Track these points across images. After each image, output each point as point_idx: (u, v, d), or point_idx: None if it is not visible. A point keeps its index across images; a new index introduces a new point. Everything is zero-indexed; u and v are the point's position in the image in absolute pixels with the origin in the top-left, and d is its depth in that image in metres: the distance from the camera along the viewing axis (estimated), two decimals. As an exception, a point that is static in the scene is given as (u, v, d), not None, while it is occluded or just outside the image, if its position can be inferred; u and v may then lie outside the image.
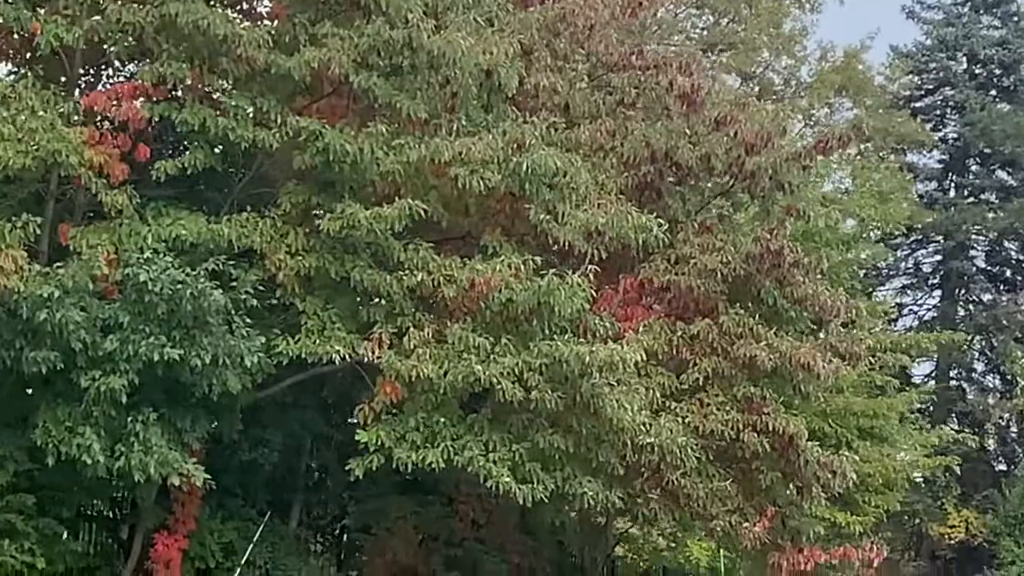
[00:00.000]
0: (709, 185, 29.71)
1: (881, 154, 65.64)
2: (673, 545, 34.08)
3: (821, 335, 30.23)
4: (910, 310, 70.74)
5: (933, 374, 68.39)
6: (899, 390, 39.54)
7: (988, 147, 66.88)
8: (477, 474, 23.78)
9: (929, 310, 70.02)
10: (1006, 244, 68.64)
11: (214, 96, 24.81)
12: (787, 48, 59.13)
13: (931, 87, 69.34)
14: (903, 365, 39.65)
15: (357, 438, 23.98)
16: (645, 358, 25.60)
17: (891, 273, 70.23)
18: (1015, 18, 68.76)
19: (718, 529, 27.75)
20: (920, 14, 69.30)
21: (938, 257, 68.97)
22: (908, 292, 71.07)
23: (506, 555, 29.08)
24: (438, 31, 24.75)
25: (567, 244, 25.39)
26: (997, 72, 68.69)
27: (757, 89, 60.04)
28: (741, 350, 27.07)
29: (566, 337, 24.00)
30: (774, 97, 59.79)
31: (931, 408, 66.97)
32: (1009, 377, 64.89)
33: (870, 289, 67.60)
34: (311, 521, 29.73)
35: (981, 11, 69.15)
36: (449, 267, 24.27)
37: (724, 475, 27.57)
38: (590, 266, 24.90)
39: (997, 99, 67.47)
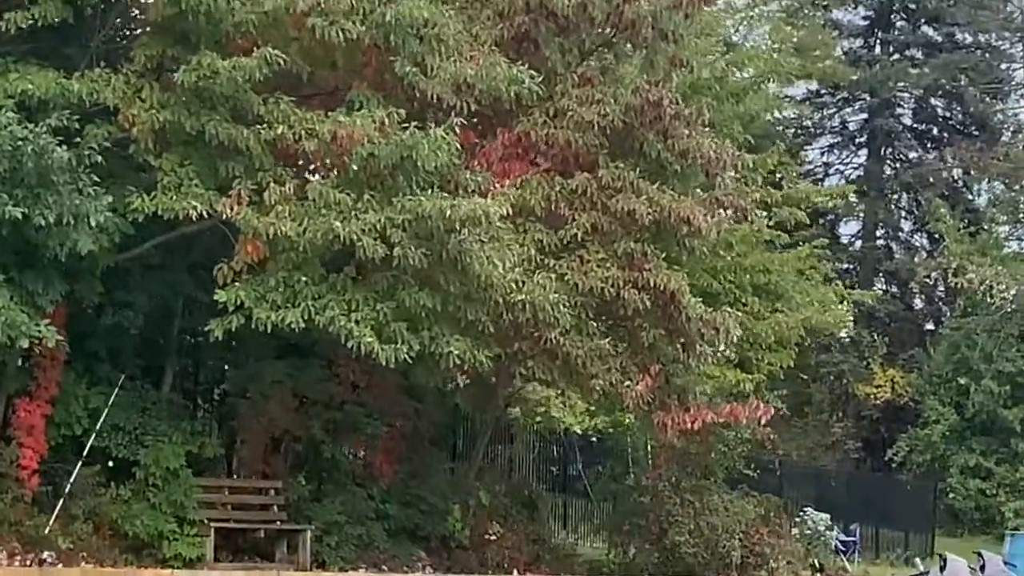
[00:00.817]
0: (590, 36, 28.72)
1: (806, 9, 65.16)
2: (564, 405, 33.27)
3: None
4: (836, 169, 70.32)
5: (860, 233, 68.25)
6: (791, 245, 38.70)
7: (913, 2, 66.25)
8: (338, 334, 23.21)
9: (856, 169, 69.46)
10: (932, 101, 68.08)
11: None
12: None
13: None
14: (800, 220, 38.87)
15: (215, 298, 23.33)
16: (511, 212, 25.14)
17: (817, 132, 69.72)
18: None
19: (598, 388, 27.19)
20: None
21: (864, 115, 68.26)
22: (835, 151, 70.47)
23: (387, 418, 28.52)
24: None
25: (435, 97, 24.67)
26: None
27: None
28: (620, 204, 26.49)
29: (433, 193, 23.35)
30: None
31: (857, 267, 67.06)
32: (936, 236, 64.31)
33: (796, 148, 67.54)
34: (186, 386, 28.99)
35: None
36: (311, 121, 23.52)
37: (605, 333, 27.04)
38: (457, 119, 24.07)
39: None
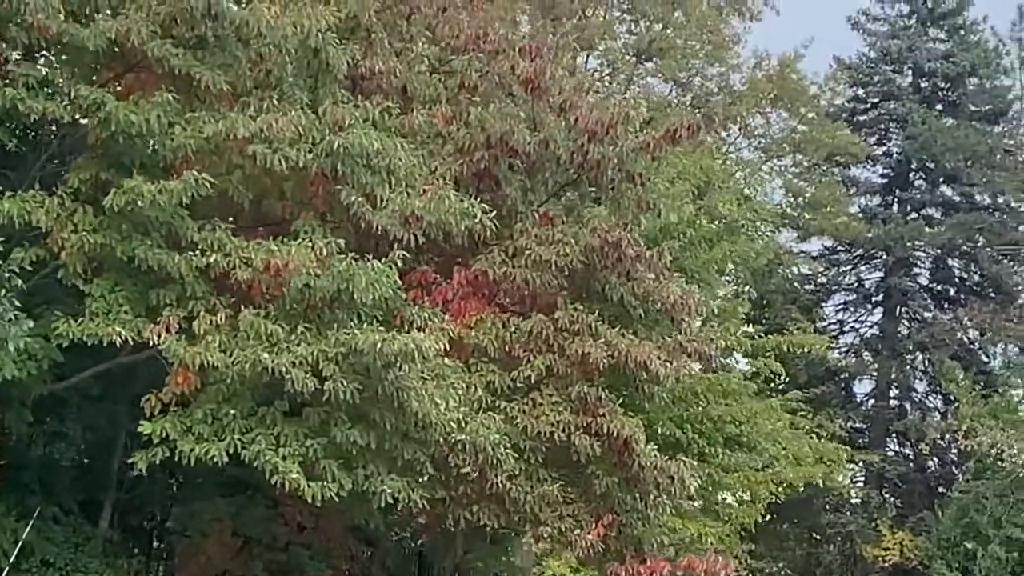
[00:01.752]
0: (554, 175, 28.11)
1: (822, 167, 64.90)
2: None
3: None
4: (851, 327, 69.54)
5: (873, 392, 67.38)
6: (764, 394, 37.81)
7: (931, 162, 65.89)
8: (263, 470, 22.42)
9: (871, 327, 68.64)
10: (949, 261, 67.29)
11: (4, 66, 23.33)
12: (719, 55, 57.55)
13: (875, 100, 68.29)
14: (774, 371, 38.05)
15: (140, 430, 22.58)
16: (468, 351, 24.68)
17: (833, 288, 68.99)
18: (961, 31, 67.76)
19: (545, 535, 26.36)
20: (865, 25, 68.42)
21: (880, 273, 67.51)
22: (850, 308, 69.68)
23: (334, 561, 27.63)
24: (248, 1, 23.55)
25: (382, 230, 24.06)
26: (942, 86, 67.71)
27: (689, 97, 59.11)
28: (576, 347, 25.80)
29: (371, 327, 22.66)
30: (707, 105, 58.53)
31: (869, 427, 66.09)
32: (949, 397, 63.34)
33: (811, 304, 66.93)
34: (129, 522, 28.10)
35: (928, 24, 68.19)
36: (246, 249, 22.85)
37: (556, 479, 26.24)
38: (402, 253, 23.48)
39: (941, 113, 66.32)
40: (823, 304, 69.21)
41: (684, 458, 26.89)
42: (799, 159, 62.32)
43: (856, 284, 69.00)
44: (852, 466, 63.37)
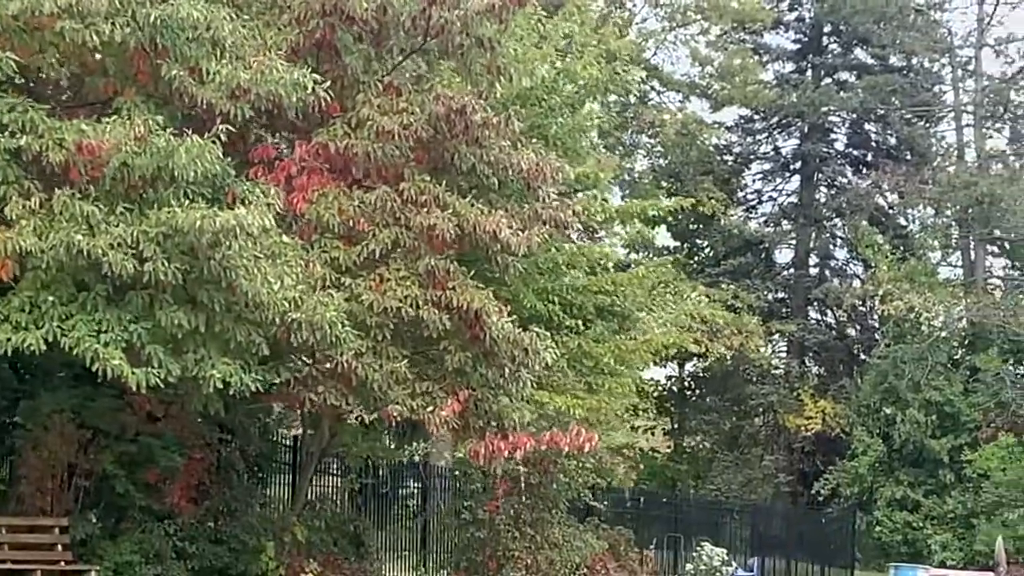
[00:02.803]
0: (398, 43, 27.14)
1: (732, 35, 64.19)
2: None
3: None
4: (769, 196, 69.13)
5: (793, 261, 67.02)
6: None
7: (843, 24, 65.22)
8: (83, 356, 21.65)
9: (789, 196, 68.19)
10: (865, 126, 66.83)
11: None
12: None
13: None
14: (648, 237, 37.41)
15: (-46, 320, 21.82)
16: (310, 226, 23.99)
17: (749, 158, 68.42)
18: None
19: (395, 414, 25.67)
20: None
21: (796, 141, 66.92)
22: (768, 178, 69.13)
23: (187, 450, 26.88)
24: None
25: (206, 104, 23.17)
26: (850, -49, 66.75)
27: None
28: (420, 219, 25.01)
29: (196, 205, 21.82)
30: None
31: (789, 296, 65.80)
32: (870, 263, 63.00)
33: (728, 175, 66.47)
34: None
35: None
36: (59, 130, 21.95)
37: (406, 356, 25.50)
38: (225, 127, 22.55)
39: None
40: (742, 174, 68.41)
41: (542, 331, 26.10)
42: (707, 27, 61.25)
43: (773, 152, 68.40)
44: (773, 336, 63.36)
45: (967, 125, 65.71)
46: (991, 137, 65.70)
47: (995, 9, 63.96)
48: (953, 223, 64.01)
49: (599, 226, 32.83)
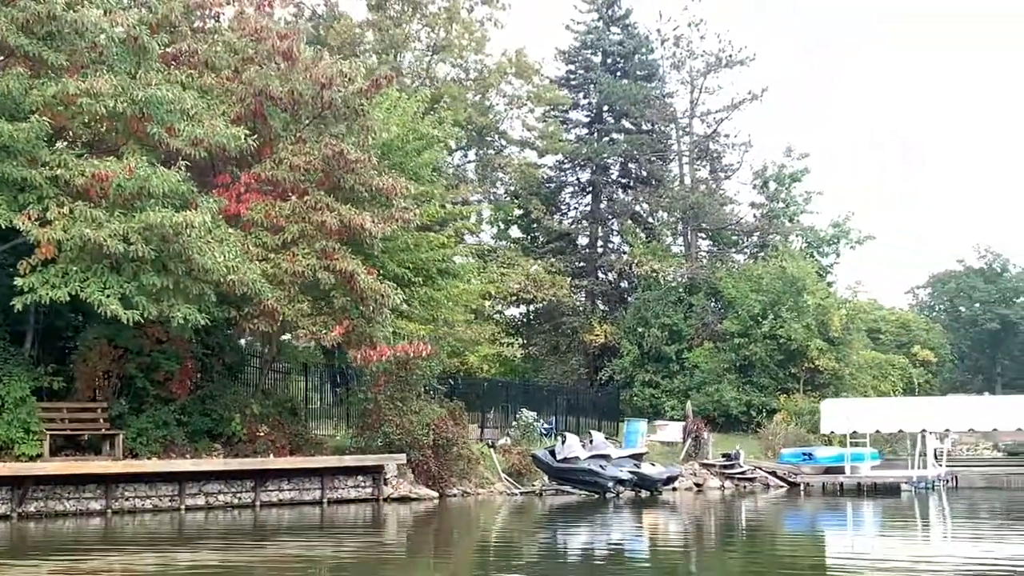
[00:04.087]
0: (306, 111, 25.86)
1: (549, 113, 63.05)
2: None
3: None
4: (574, 207, 67.62)
5: (588, 244, 65.78)
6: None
7: (613, 107, 64.12)
8: (93, 303, 20.36)
9: (586, 206, 66.85)
10: (629, 165, 65.60)
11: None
12: (478, 48, 55.44)
13: (581, 71, 65.92)
14: (467, 228, 36.21)
15: (16, 283, 20.48)
16: (250, 223, 23.12)
17: (563, 185, 67.04)
18: (628, 27, 65.69)
19: (301, 334, 24.57)
20: (572, 28, 65.90)
21: (589, 174, 65.64)
22: (575, 197, 67.78)
23: (183, 360, 25.46)
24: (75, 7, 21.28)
25: (176, 150, 21.96)
26: (618, 61, 65.62)
27: (465, 74, 57.06)
28: (316, 217, 23.87)
29: (165, 210, 20.64)
30: (475, 78, 56.65)
31: (586, 265, 64.64)
32: (630, 244, 61.98)
33: (552, 195, 65.30)
34: (45, 344, 25.44)
35: (609, 24, 65.92)
36: (82, 165, 20.70)
37: (309, 300, 24.42)
38: (184, 163, 21.39)
39: (618, 77, 64.33)
40: (559, 194, 67.01)
41: (389, 283, 24.94)
42: (532, 108, 60.05)
43: (576, 181, 66.99)
44: (577, 288, 62.30)
45: (685, 163, 64.94)
46: (699, 170, 64.80)
47: (699, 96, 63.09)
48: (678, 220, 63.08)
49: (433, 222, 31.23)
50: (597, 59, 66.31)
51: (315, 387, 33.07)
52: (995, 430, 43.16)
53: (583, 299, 65.12)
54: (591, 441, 33.14)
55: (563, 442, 32.26)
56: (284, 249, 24.16)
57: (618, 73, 65.74)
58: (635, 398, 56.91)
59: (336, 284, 24.23)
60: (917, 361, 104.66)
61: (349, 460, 27.51)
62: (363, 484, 28.01)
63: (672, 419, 50.78)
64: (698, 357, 56.02)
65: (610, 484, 31.26)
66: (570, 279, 59.90)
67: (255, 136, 23.57)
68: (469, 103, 55.80)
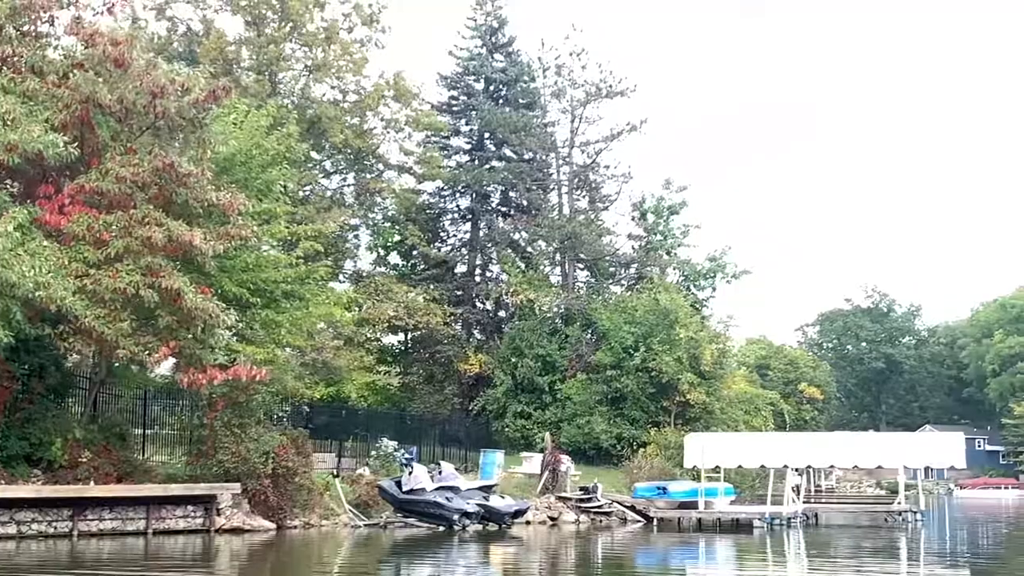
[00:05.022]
0: (138, 121, 24.86)
1: (429, 138, 62.56)
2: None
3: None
4: (453, 235, 67.18)
5: (467, 271, 65.28)
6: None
7: (494, 134, 63.95)
8: None
9: (466, 233, 66.39)
10: (509, 193, 65.26)
11: None
12: (357, 70, 54.74)
13: (463, 98, 65.67)
14: (317, 250, 35.27)
15: None
16: (25, 232, 21.75)
17: (443, 211, 66.51)
18: (511, 55, 65.61)
19: (121, 356, 23.45)
20: (455, 53, 65.63)
21: (469, 201, 65.23)
22: (455, 223, 67.27)
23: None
24: None
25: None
26: (501, 89, 65.52)
27: (343, 96, 56.31)
28: (141, 232, 22.83)
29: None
30: (352, 102, 55.88)
31: (463, 293, 64.07)
32: (509, 273, 61.58)
33: (432, 221, 64.61)
34: None
35: (492, 51, 65.79)
36: None
37: (133, 319, 23.30)
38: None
39: (499, 104, 64.20)
40: (440, 220, 66.43)
41: (217, 302, 23.92)
42: (410, 133, 59.44)
43: (456, 208, 66.55)
44: (453, 316, 61.71)
45: (564, 192, 64.89)
46: (578, 200, 64.81)
47: (579, 125, 63.22)
48: (556, 250, 62.92)
49: (274, 241, 30.17)
50: (479, 86, 66.15)
51: (155, 412, 31.75)
52: (875, 466, 43.71)
53: (459, 328, 64.58)
54: (440, 472, 32.39)
55: (410, 473, 31.46)
56: (107, 265, 23.03)
57: (500, 100, 65.65)
58: (507, 428, 56.47)
59: (161, 302, 23.17)
60: (804, 398, 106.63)
61: (177, 489, 26.37)
62: (193, 514, 26.87)
63: (542, 451, 50.34)
64: (571, 389, 55.78)
65: (456, 517, 30.53)
66: (447, 307, 59.52)
67: (78, 145, 22.50)
68: (347, 125, 55.04)
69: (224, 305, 23.97)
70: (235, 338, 27.14)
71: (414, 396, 63.56)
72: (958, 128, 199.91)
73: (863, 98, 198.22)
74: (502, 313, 64.89)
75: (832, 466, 49.94)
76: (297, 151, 32.06)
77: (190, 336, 24.02)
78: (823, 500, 47.78)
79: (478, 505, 31.44)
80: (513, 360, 57.64)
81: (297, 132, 32.65)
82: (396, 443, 40.02)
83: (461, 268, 65.86)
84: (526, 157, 64.49)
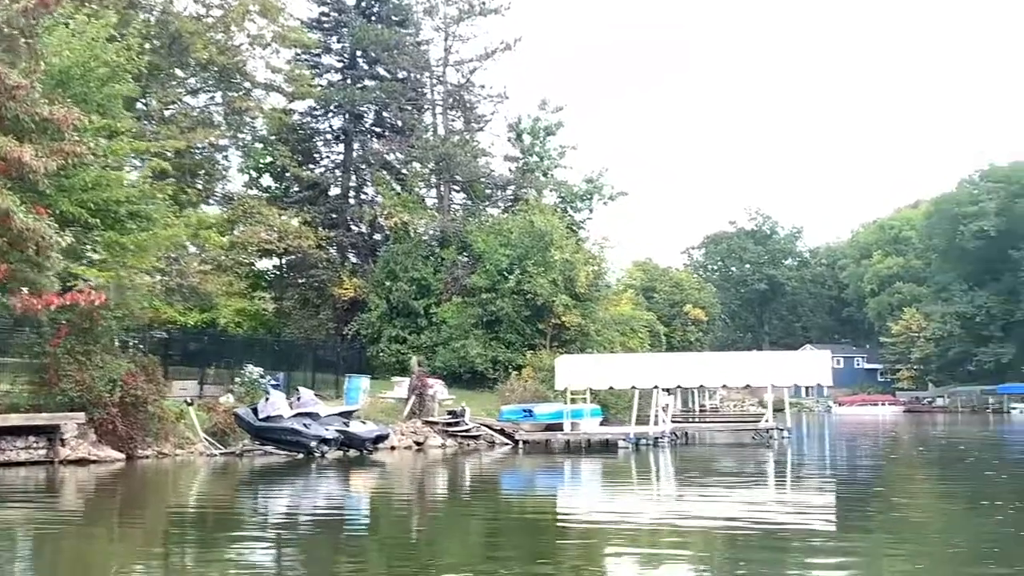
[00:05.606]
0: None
1: (299, 58, 61.12)
2: None
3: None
4: (327, 155, 66.05)
5: (340, 194, 64.33)
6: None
7: (367, 52, 62.72)
8: None
9: (340, 154, 65.24)
10: (383, 113, 64.24)
11: None
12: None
13: (334, 14, 64.18)
14: (166, 170, 34.03)
15: None
16: None
17: (316, 132, 65.23)
18: (385, -31, 64.51)
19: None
20: (325, -36, 64.17)
21: (341, 121, 64.06)
22: (328, 145, 66.04)
23: None
24: None
25: None
26: (373, 5, 64.23)
27: (206, 11, 54.38)
28: (-35, 150, 21.72)
29: None
30: (215, 17, 54.02)
31: (338, 216, 63.15)
32: (383, 195, 60.91)
33: (303, 143, 63.33)
34: None
35: (364, -36, 64.42)
36: None
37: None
38: None
39: (371, 21, 62.87)
40: (311, 141, 65.16)
41: (49, 222, 22.95)
42: (279, 49, 57.83)
43: (329, 128, 65.35)
44: (328, 239, 60.84)
45: (439, 112, 64.20)
46: (453, 121, 64.09)
47: (452, 44, 62.43)
48: (431, 171, 62.32)
49: (116, 159, 28.89)
50: (351, 1, 64.73)
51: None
52: (744, 385, 44.50)
53: (334, 252, 63.78)
54: (299, 398, 31.94)
55: (267, 399, 30.95)
56: (-71, 185, 21.92)
57: (372, 17, 64.36)
58: (382, 353, 56.15)
59: (-15, 226, 22.14)
60: (689, 320, 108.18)
61: (16, 419, 25.54)
62: (36, 445, 26.08)
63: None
64: (446, 312, 55.63)
65: (314, 443, 30.16)
66: (321, 230, 58.58)
67: None
68: (211, 41, 53.30)
69: (57, 226, 22.99)
70: (76, 261, 26.10)
71: (289, 322, 62.80)
72: (835, 51, 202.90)
73: (738, 28, 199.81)
74: (377, 236, 64.25)
75: (716, 385, 50.70)
76: (138, 63, 30.69)
77: (23, 259, 23.02)
78: (696, 419, 48.51)
79: (337, 431, 31.11)
80: (388, 284, 57.18)
81: (138, 44, 31.19)
82: (262, 370, 39.35)
83: (335, 190, 64.88)
84: (400, 76, 63.49)
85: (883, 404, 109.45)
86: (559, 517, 18.12)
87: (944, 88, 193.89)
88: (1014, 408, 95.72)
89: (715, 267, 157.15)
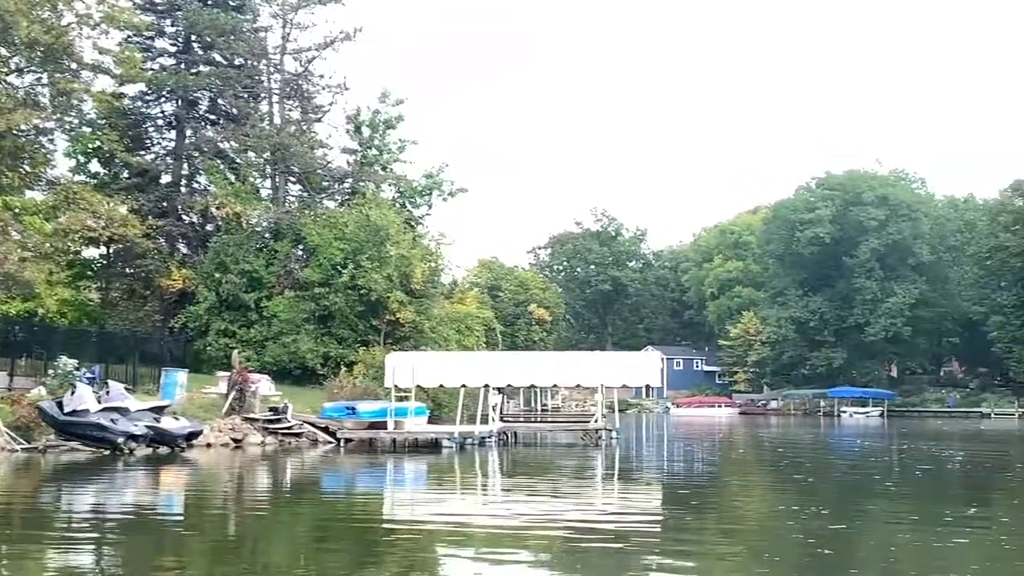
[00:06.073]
0: None
1: (130, 40, 59.23)
2: None
3: None
4: (158, 142, 64.11)
5: (170, 183, 62.59)
6: None
7: (201, 36, 61.05)
8: None
9: (170, 142, 63.42)
10: (218, 100, 62.73)
11: None
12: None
13: (169, -6, 62.52)
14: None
15: None
16: None
17: (146, 117, 63.29)
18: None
19: None
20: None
21: (172, 107, 62.33)
22: (159, 131, 64.10)
23: None
24: None
25: None
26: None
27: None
28: None
29: None
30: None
31: (168, 204, 61.51)
32: (215, 185, 59.48)
33: (133, 127, 61.50)
34: None
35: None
36: None
37: None
38: None
39: (207, 4, 61.27)
40: (144, 126, 63.22)
41: None
42: (108, 31, 55.94)
43: (161, 114, 63.47)
44: (157, 228, 59.13)
45: (276, 101, 63.08)
46: (290, 110, 63.24)
47: (291, 31, 61.55)
48: (266, 162, 61.28)
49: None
50: (177, -16, 63.22)
51: None
52: (575, 385, 44.76)
53: (163, 241, 62.15)
54: (107, 392, 30.91)
55: (72, 393, 29.87)
56: None
57: (208, 1, 62.81)
58: (209, 347, 55.00)
59: None
60: (533, 319, 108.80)
61: None
62: None
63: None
64: (277, 306, 54.80)
65: (120, 439, 29.23)
66: (150, 219, 56.96)
67: None
68: (36, 19, 51.30)
69: None
70: None
71: (115, 313, 61.06)
72: (680, 53, 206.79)
73: (581, 21, 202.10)
74: (209, 227, 62.80)
75: (547, 385, 51.02)
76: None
77: None
78: (529, 419, 48.71)
79: (147, 427, 30.21)
80: (217, 276, 55.98)
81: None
82: (76, 362, 38.02)
83: (166, 178, 63.15)
84: (236, 63, 62.17)
85: (719, 406, 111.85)
86: (384, 518, 17.88)
87: (788, 94, 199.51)
88: (844, 411, 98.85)
89: (560, 267, 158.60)
